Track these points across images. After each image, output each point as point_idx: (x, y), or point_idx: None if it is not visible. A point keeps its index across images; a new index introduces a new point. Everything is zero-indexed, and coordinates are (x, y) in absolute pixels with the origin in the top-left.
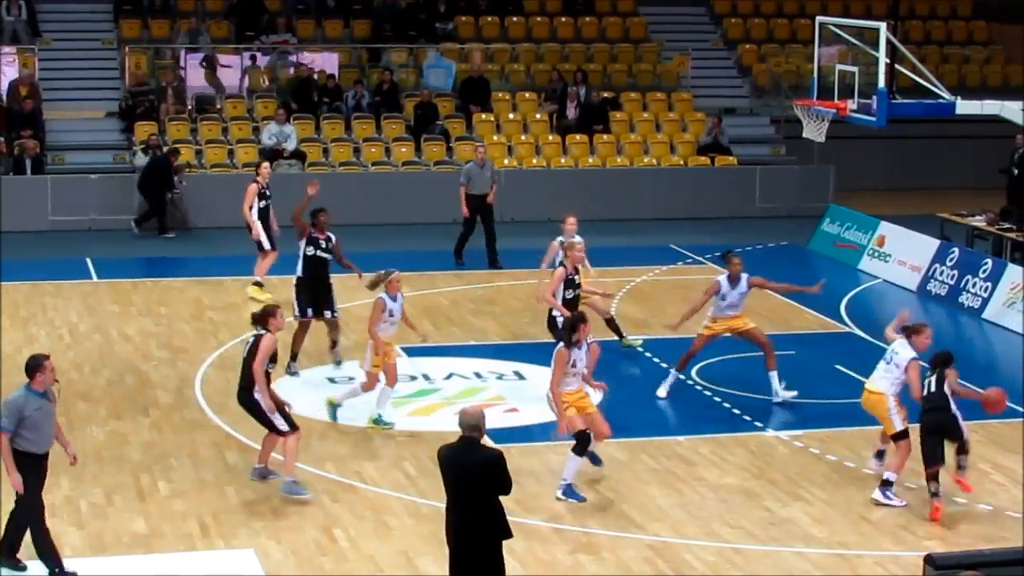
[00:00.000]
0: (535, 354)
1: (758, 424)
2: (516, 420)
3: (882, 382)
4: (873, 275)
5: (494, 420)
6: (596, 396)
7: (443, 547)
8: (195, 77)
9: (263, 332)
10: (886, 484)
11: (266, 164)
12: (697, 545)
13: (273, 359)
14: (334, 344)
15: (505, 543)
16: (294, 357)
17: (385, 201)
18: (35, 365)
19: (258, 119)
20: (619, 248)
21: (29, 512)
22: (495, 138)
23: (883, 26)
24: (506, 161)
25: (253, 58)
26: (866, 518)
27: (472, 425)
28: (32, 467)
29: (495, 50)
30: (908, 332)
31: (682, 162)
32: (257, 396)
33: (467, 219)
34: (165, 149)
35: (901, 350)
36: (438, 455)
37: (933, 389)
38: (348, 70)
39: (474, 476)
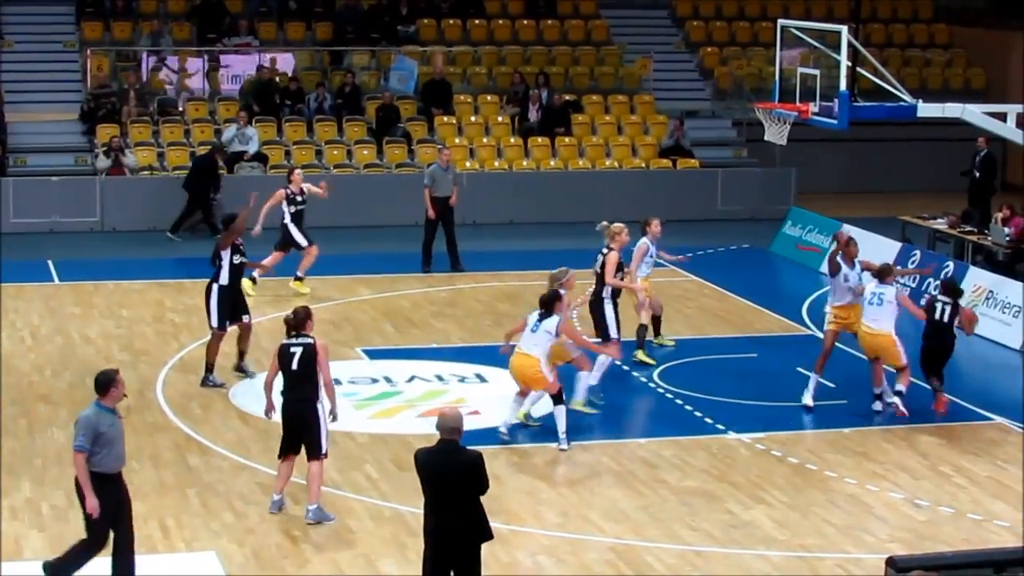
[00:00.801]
0: (497, 357)
1: (720, 427)
2: (478, 423)
3: (885, 323)
4: None
5: None
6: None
7: (404, 550)
8: (157, 79)
9: (310, 338)
10: (900, 393)
11: (298, 171)
12: (658, 547)
13: None
14: (243, 355)
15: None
16: (210, 369)
17: (347, 204)
18: (108, 381)
19: (220, 121)
20: (580, 251)
21: (94, 537)
22: (457, 140)
23: (845, 29)
24: (468, 164)
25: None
26: (828, 521)
27: (451, 428)
28: (105, 488)
29: (457, 52)
30: (881, 274)
31: (644, 165)
32: (319, 408)
33: (430, 221)
34: (210, 147)
35: (883, 290)
36: (415, 458)
37: (946, 319)
38: (310, 72)
39: (455, 478)
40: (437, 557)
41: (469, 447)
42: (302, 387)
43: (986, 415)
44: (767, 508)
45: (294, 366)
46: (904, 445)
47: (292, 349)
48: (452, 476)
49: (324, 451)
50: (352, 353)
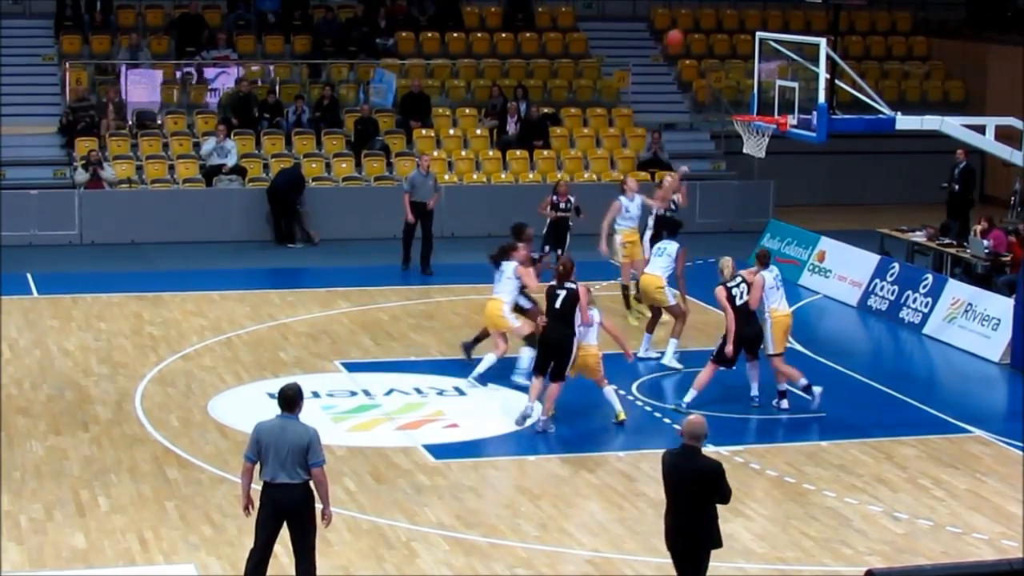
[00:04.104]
0: (474, 370)
1: None
2: (456, 435)
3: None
4: (813, 290)
5: (434, 435)
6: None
7: (382, 563)
8: (136, 93)
9: (574, 285)
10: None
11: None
12: (636, 560)
13: None
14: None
15: (446, 559)
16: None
17: (325, 217)
18: (299, 394)
19: (198, 134)
20: None
21: (313, 556)
22: (435, 153)
23: (823, 41)
24: (446, 176)
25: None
26: (806, 533)
27: (694, 435)
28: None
29: (435, 66)
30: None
31: (622, 177)
32: (575, 341)
33: (409, 224)
34: (294, 163)
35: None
36: (662, 460)
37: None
38: (288, 85)
39: (691, 484)
40: (675, 555)
41: (706, 455)
42: (564, 322)
43: (965, 427)
44: (746, 521)
45: (557, 305)
46: (882, 457)
47: (557, 292)
48: (688, 481)
49: (566, 376)
50: (330, 366)
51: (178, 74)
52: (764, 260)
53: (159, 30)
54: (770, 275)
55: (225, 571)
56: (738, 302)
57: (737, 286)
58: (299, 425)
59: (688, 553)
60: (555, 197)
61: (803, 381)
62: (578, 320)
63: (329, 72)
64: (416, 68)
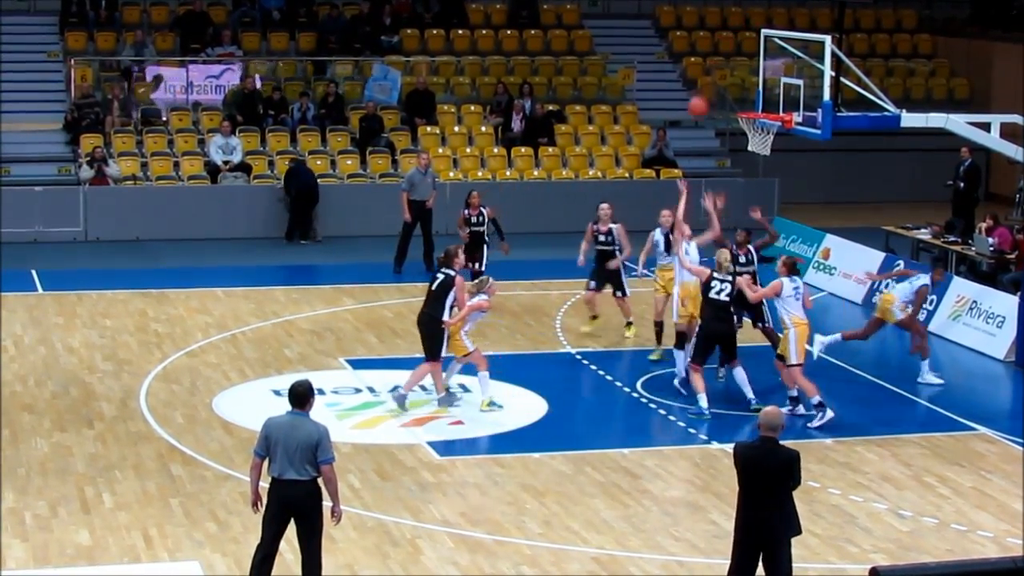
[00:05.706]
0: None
1: (703, 437)
2: (460, 432)
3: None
4: (818, 288)
5: (439, 432)
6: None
7: (387, 560)
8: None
9: (452, 272)
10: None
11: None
12: (641, 558)
13: None
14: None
15: (451, 556)
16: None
17: (330, 213)
18: (309, 392)
19: (203, 131)
20: (564, 260)
21: (319, 553)
22: (440, 151)
23: (828, 39)
24: (451, 174)
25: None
26: (811, 531)
27: (773, 426)
28: None
29: (440, 63)
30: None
31: (627, 175)
32: (441, 323)
33: (406, 224)
34: (301, 160)
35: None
36: (735, 451)
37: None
38: (293, 82)
39: (773, 474)
40: (748, 548)
41: (785, 444)
42: (432, 304)
43: (970, 425)
44: None
45: (433, 287)
46: (887, 455)
47: (437, 275)
48: (770, 472)
49: (436, 358)
50: (335, 363)
51: (181, 72)
52: (790, 268)
53: (164, 27)
54: (790, 284)
55: (230, 568)
56: (712, 295)
57: (722, 281)
58: (309, 422)
59: (768, 544)
60: (467, 211)
61: (817, 398)
62: (449, 302)
63: (334, 69)
64: (421, 65)
